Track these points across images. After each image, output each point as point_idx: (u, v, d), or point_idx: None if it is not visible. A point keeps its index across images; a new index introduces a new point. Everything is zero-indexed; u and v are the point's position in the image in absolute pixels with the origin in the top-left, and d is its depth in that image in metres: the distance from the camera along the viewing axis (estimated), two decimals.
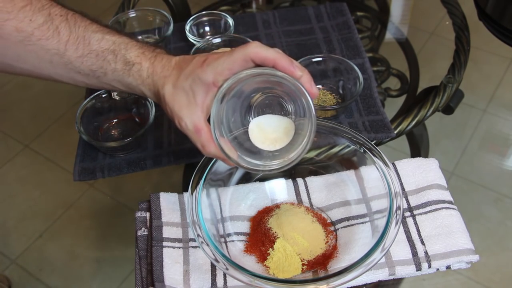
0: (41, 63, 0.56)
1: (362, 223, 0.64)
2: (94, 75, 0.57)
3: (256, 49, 0.51)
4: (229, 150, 0.55)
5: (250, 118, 0.58)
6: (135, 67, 0.56)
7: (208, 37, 0.90)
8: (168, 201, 0.66)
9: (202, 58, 0.54)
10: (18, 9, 0.52)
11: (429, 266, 0.60)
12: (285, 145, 0.56)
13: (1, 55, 0.55)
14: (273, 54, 0.51)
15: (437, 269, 0.61)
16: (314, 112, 0.51)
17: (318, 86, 0.82)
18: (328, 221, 0.66)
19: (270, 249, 0.61)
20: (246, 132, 0.58)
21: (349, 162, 0.68)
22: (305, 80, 0.52)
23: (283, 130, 0.57)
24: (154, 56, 0.57)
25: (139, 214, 0.66)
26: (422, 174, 0.68)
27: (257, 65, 0.52)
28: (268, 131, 0.57)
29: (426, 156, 0.73)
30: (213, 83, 0.53)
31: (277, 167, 0.55)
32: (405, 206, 0.65)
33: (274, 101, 0.59)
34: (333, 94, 0.81)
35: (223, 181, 0.66)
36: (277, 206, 0.67)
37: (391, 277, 0.60)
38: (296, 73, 0.51)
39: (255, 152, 0.57)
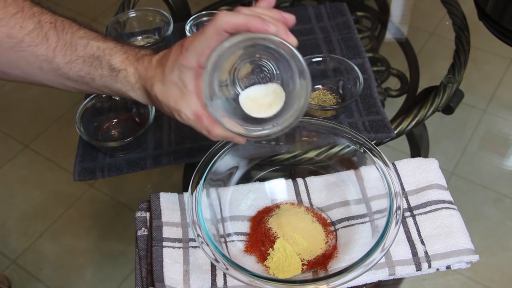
0: (32, 69, 0.56)
1: (362, 223, 0.64)
2: (83, 81, 0.58)
3: (226, 19, 0.50)
4: (235, 126, 0.54)
5: (238, 91, 0.57)
6: (121, 74, 0.57)
7: None
8: (168, 201, 0.66)
9: (178, 46, 0.54)
10: (10, 15, 0.53)
11: (429, 266, 0.60)
12: (282, 107, 0.55)
13: None
14: (243, 19, 0.50)
15: (437, 269, 0.61)
16: (300, 57, 0.50)
17: (318, 86, 0.82)
18: (328, 221, 0.66)
19: (270, 249, 0.61)
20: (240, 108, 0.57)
21: (349, 162, 0.68)
22: (281, 31, 0.51)
23: (273, 93, 0.56)
24: (137, 60, 0.57)
25: (139, 214, 0.66)
26: (422, 174, 0.68)
27: (231, 34, 0.51)
28: (259, 98, 0.56)
29: (426, 156, 0.73)
30: (198, 66, 0.52)
31: (288, 124, 0.53)
32: (405, 206, 0.65)
33: (254, 64, 0.57)
34: (333, 94, 0.81)
35: (223, 181, 0.66)
36: (277, 206, 0.67)
37: (391, 277, 0.60)
38: (271, 29, 0.50)
39: (258, 123, 0.56)
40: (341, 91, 0.81)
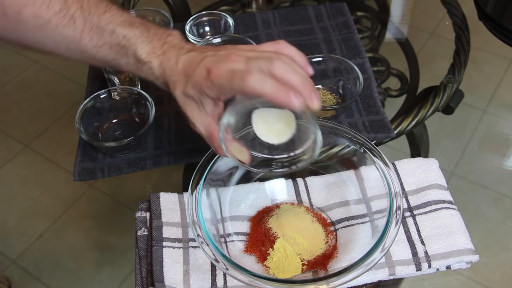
0: (60, 48, 0.57)
1: (362, 223, 0.64)
2: (110, 64, 0.59)
3: (252, 85, 0.50)
4: (241, 154, 0.57)
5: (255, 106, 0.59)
6: (146, 66, 0.57)
7: (208, 37, 0.90)
8: (168, 201, 0.66)
9: (205, 70, 0.53)
10: None
11: (429, 266, 0.60)
12: (290, 141, 0.57)
13: (21, 37, 0.56)
14: (269, 91, 0.49)
15: (437, 269, 0.61)
16: (319, 131, 0.54)
17: (318, 86, 0.82)
18: (328, 221, 0.66)
19: (270, 249, 0.61)
20: (252, 133, 0.59)
21: (349, 162, 0.68)
22: (306, 96, 0.50)
23: (285, 121, 0.57)
24: (163, 54, 0.57)
25: (139, 214, 0.66)
26: (422, 174, 0.68)
27: None
28: (271, 122, 0.57)
29: (426, 156, 0.73)
30: (218, 99, 0.54)
31: (286, 168, 0.57)
32: (405, 206, 0.65)
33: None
34: (333, 94, 0.81)
35: (223, 181, 0.66)
36: (277, 206, 0.67)
37: (391, 277, 0.60)
38: (295, 105, 0.49)
39: (264, 149, 0.58)
40: (341, 91, 0.81)
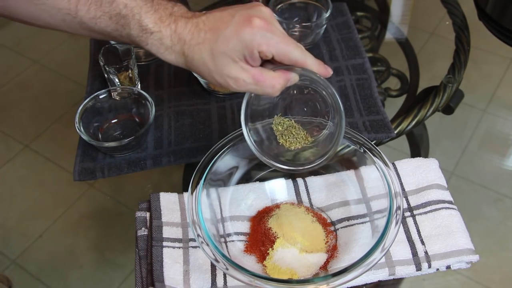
0: (55, 21, 0.54)
1: (362, 223, 0.64)
2: (110, 36, 0.55)
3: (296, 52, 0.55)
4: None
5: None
6: (154, 36, 0.53)
7: None
8: (168, 201, 0.66)
9: (243, 17, 0.51)
10: None
11: (429, 266, 0.60)
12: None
13: (14, 12, 0.54)
14: (313, 62, 0.55)
15: (437, 269, 0.61)
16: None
17: None
18: (328, 221, 0.66)
19: (270, 249, 0.61)
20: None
21: (349, 162, 0.68)
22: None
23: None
24: (174, 22, 0.53)
25: (139, 214, 0.66)
26: (422, 174, 0.68)
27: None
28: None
29: (426, 156, 0.73)
30: (258, 50, 0.51)
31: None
32: (405, 206, 0.65)
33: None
34: None
35: (223, 181, 0.66)
36: (277, 206, 0.67)
37: (391, 277, 0.60)
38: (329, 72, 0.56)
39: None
40: None
